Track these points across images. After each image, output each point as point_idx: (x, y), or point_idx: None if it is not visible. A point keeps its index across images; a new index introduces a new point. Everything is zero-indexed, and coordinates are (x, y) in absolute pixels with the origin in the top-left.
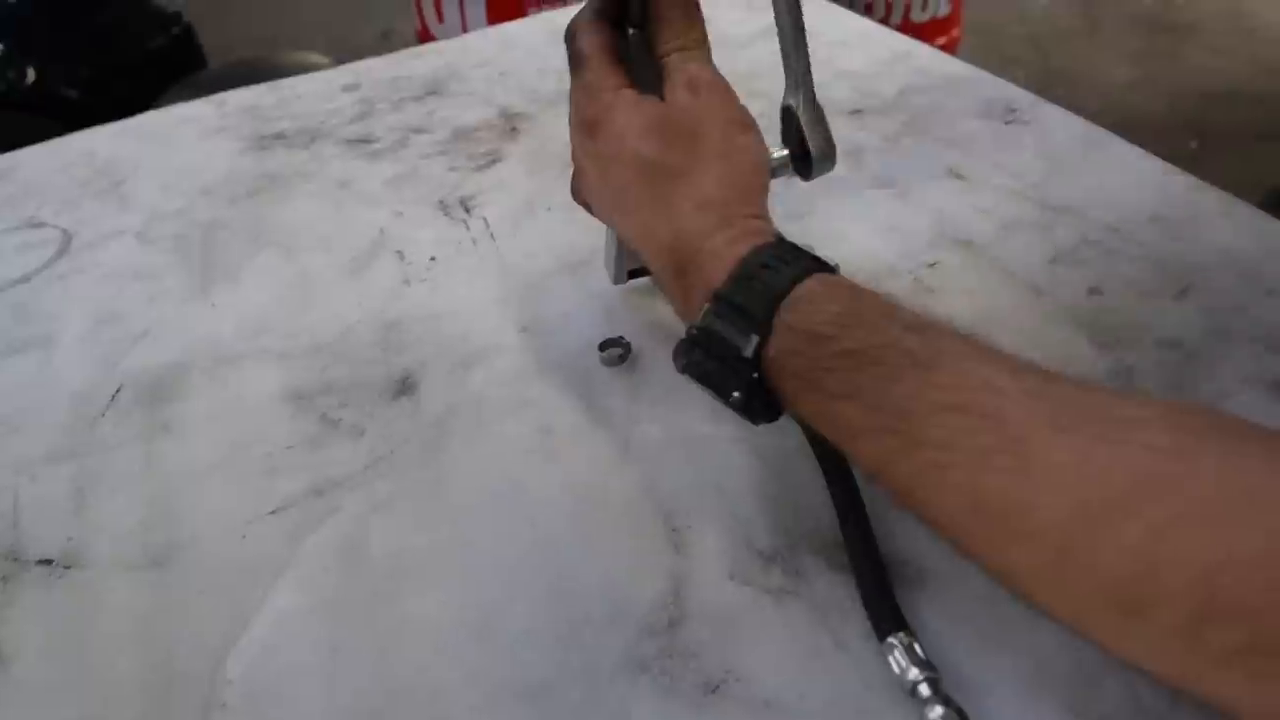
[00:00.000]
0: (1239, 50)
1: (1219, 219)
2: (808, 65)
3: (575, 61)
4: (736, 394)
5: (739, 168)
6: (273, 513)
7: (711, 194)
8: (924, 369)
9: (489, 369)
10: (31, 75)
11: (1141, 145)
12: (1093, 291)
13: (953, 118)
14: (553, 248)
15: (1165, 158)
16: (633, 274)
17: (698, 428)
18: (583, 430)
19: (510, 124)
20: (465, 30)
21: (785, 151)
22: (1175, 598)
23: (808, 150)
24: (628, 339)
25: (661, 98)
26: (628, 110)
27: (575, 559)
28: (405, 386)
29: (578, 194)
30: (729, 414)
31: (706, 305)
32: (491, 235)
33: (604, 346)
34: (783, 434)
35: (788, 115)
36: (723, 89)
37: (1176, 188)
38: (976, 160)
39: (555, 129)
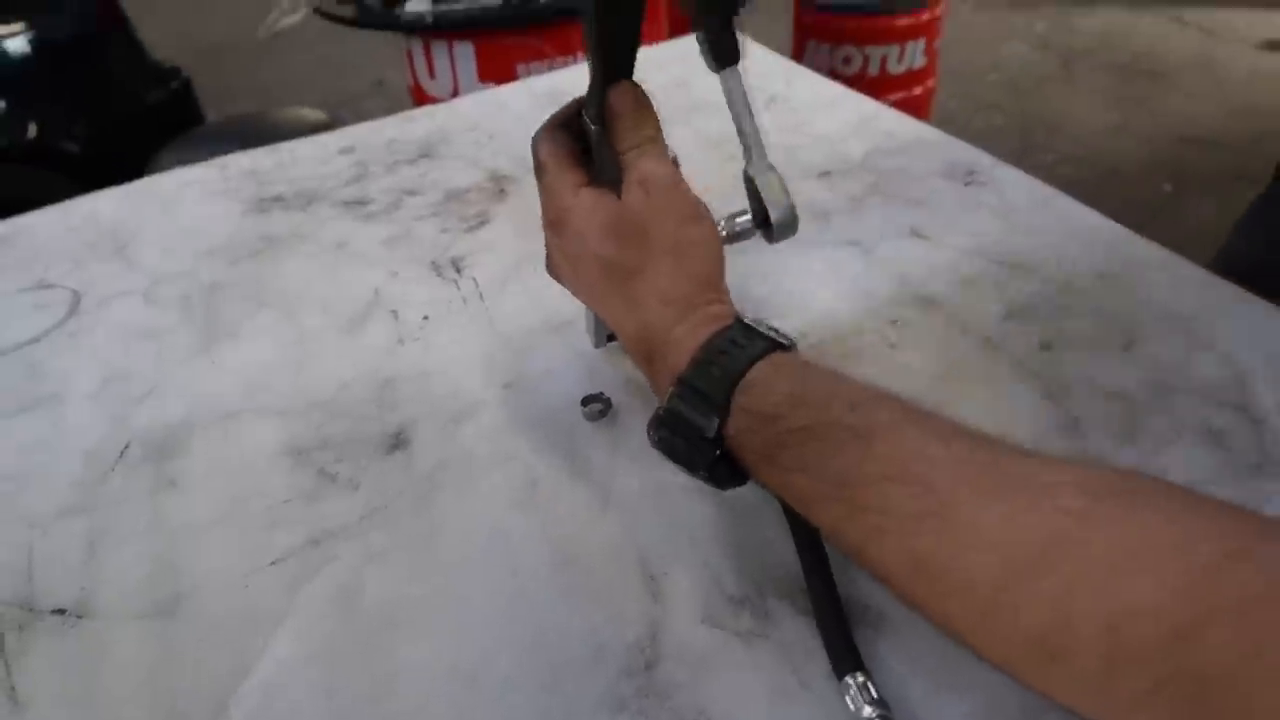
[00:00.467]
0: (1211, 97)
1: (1162, 276)
2: (760, 137)
3: (537, 168)
4: (700, 471)
5: (693, 259)
6: (272, 564)
7: (669, 288)
8: (863, 441)
9: (477, 424)
10: (33, 130)
11: (1119, 189)
12: (1044, 345)
13: (916, 179)
14: (539, 307)
15: (1142, 201)
16: (611, 337)
17: (673, 480)
18: (565, 482)
19: (499, 186)
20: (456, 85)
21: (749, 215)
22: (1087, 647)
23: (769, 217)
24: (608, 395)
25: (619, 194)
26: (585, 212)
27: (558, 606)
28: (398, 441)
29: (552, 271)
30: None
31: (672, 389)
32: (481, 295)
33: (586, 402)
34: (751, 486)
35: (750, 184)
36: (672, 185)
37: (1123, 245)
38: (938, 220)
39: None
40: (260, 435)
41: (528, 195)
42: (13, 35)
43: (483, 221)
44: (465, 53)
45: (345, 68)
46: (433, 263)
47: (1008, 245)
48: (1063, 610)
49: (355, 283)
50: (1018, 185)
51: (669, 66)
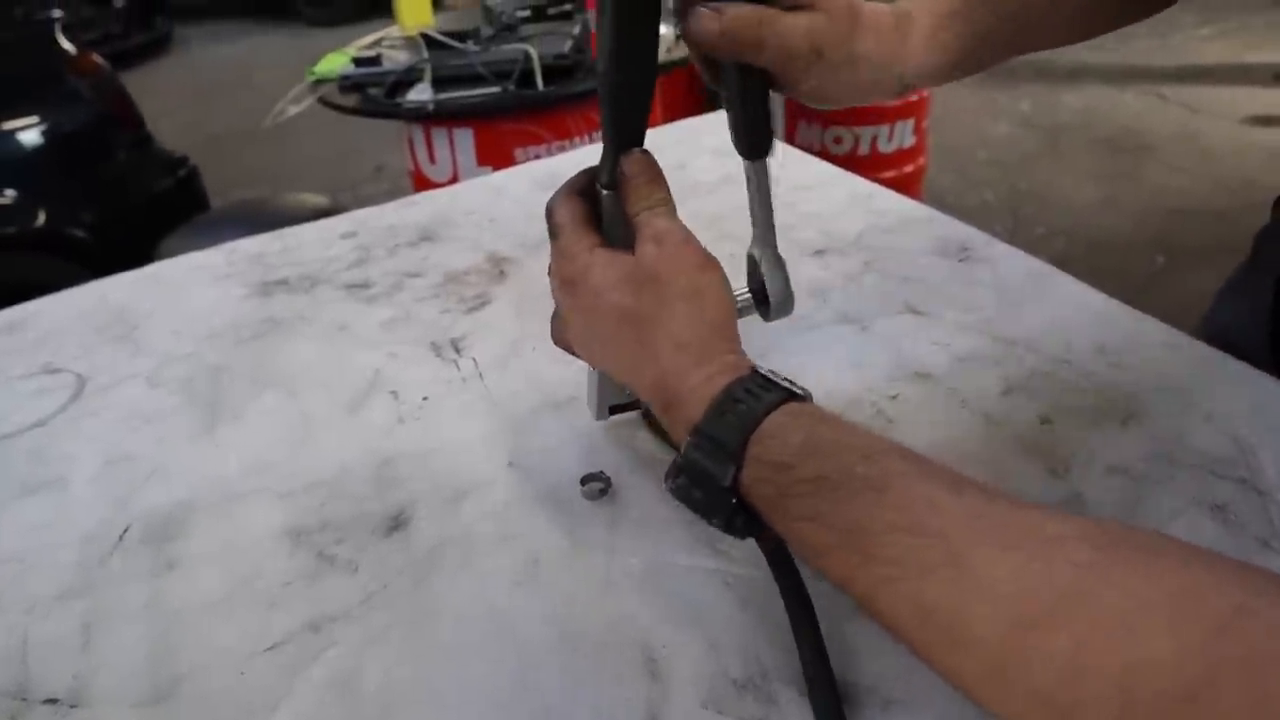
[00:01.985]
0: (1197, 170)
1: (1159, 349)
2: (771, 222)
3: (553, 231)
4: (717, 519)
5: (707, 307)
6: (270, 648)
7: (685, 336)
8: (876, 492)
9: (478, 503)
10: (42, 218)
11: (1111, 262)
12: (1044, 420)
13: (910, 256)
14: (538, 386)
15: (1135, 273)
16: (613, 410)
17: (675, 558)
18: (566, 562)
19: (498, 268)
20: (456, 170)
21: (748, 292)
22: (1099, 703)
23: (768, 296)
24: (608, 473)
25: (633, 253)
26: (602, 267)
27: (557, 688)
28: (398, 522)
29: (559, 339)
30: (704, 546)
31: (689, 438)
32: (480, 375)
33: (585, 481)
34: (755, 565)
35: (752, 263)
36: (685, 238)
37: (1119, 320)
38: (934, 296)
39: (540, 272)
40: (261, 516)
41: (527, 276)
42: (27, 128)
43: (483, 302)
44: (465, 138)
45: (346, 153)
46: (432, 343)
47: (1004, 321)
48: (1073, 666)
49: (356, 364)
50: (1011, 261)
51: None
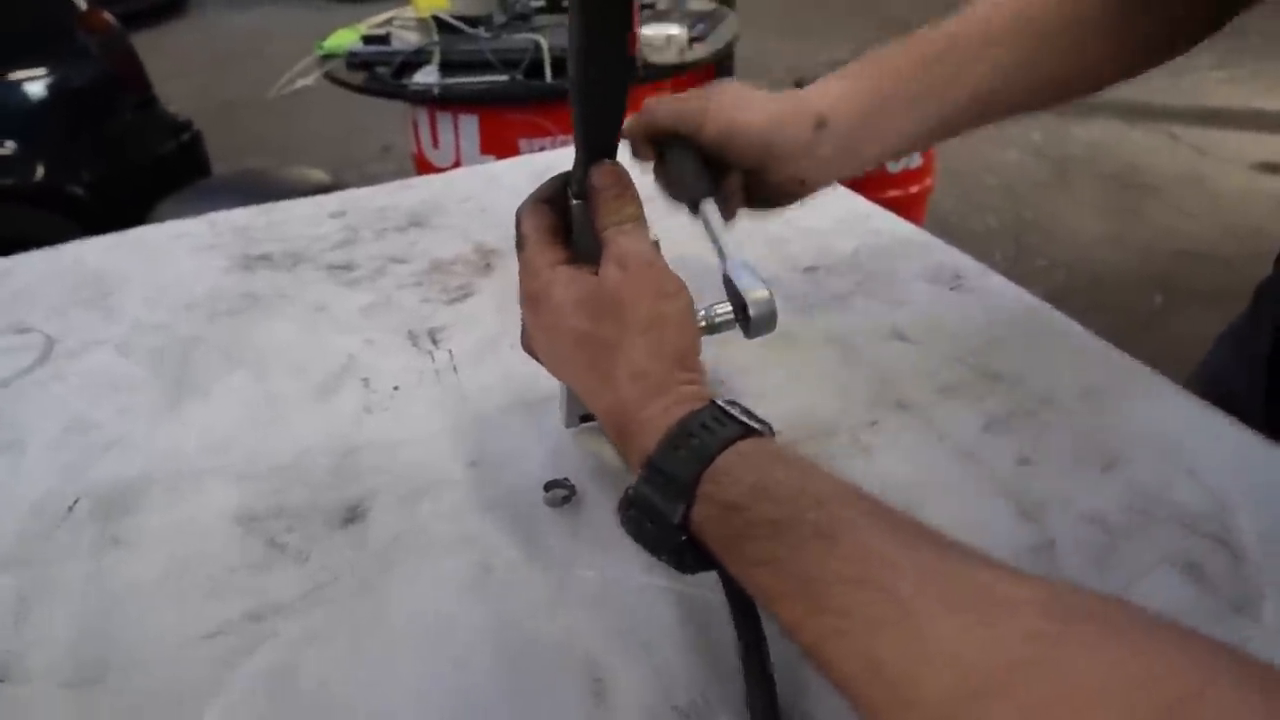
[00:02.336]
0: (1204, 212)
1: (1146, 396)
2: (731, 247)
3: (519, 241)
4: (666, 555)
5: (667, 336)
6: (208, 636)
7: (643, 364)
8: (827, 540)
9: (436, 502)
10: (40, 172)
11: (1110, 298)
12: (1021, 461)
13: (902, 280)
14: (512, 383)
15: (1132, 311)
16: (585, 418)
17: (632, 575)
18: (520, 570)
19: (485, 259)
20: (459, 155)
21: (729, 309)
22: None
23: (748, 313)
24: (573, 481)
25: (597, 271)
26: (562, 287)
27: (498, 705)
28: (354, 514)
29: (527, 346)
30: (661, 564)
31: (640, 471)
32: (455, 368)
33: (549, 487)
34: (712, 588)
35: (729, 283)
36: (649, 261)
37: (1108, 362)
38: (922, 323)
39: None
40: (215, 498)
41: (513, 270)
42: (31, 80)
43: (466, 294)
44: (469, 125)
45: (355, 132)
46: (410, 332)
47: (991, 354)
48: None
49: (331, 348)
50: (1004, 294)
51: None
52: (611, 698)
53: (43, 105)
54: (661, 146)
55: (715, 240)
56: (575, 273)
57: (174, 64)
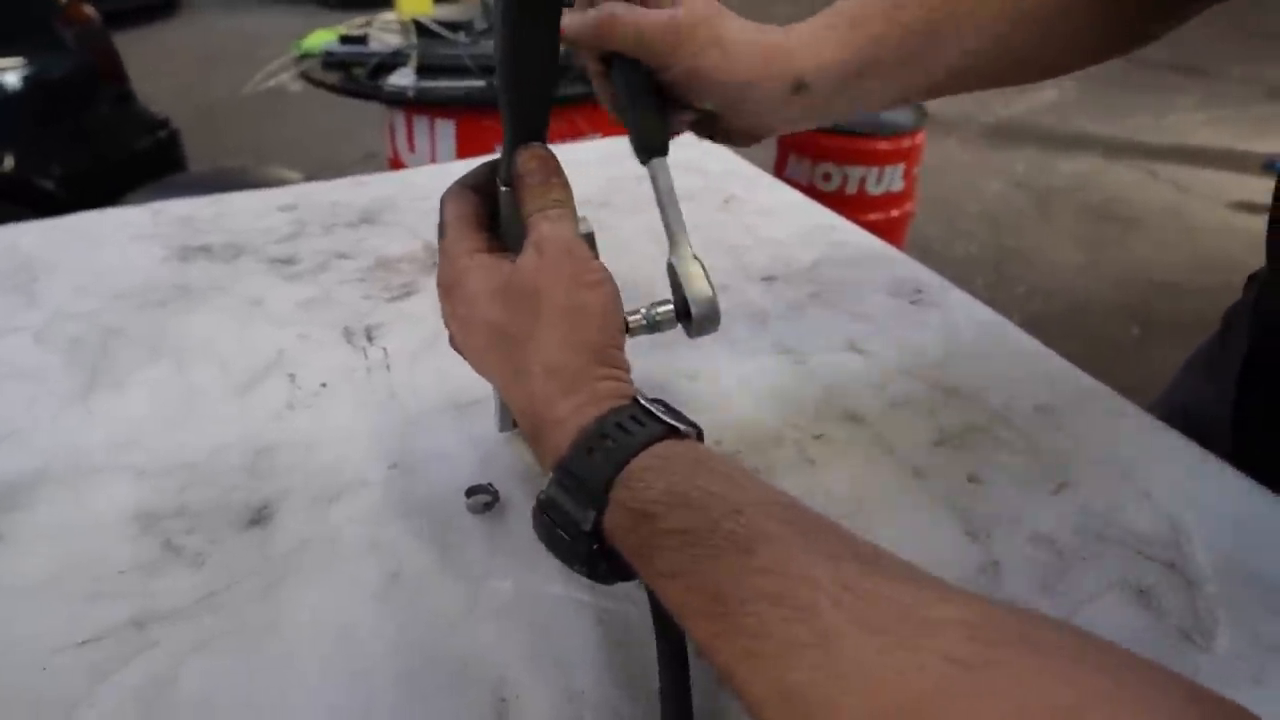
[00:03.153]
0: (1181, 245)
1: (1103, 415)
2: (683, 226)
3: (440, 228)
4: (579, 565)
5: (584, 328)
6: (82, 643)
7: (556, 359)
8: (743, 554)
9: (350, 504)
10: (9, 163)
11: (1086, 327)
12: (971, 479)
13: (860, 292)
14: (444, 385)
15: (1109, 341)
16: (516, 423)
17: (549, 587)
18: (431, 579)
19: (433, 258)
20: (435, 160)
21: (670, 306)
22: None
23: (689, 309)
24: (497, 487)
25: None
26: (478, 274)
27: None
28: (260, 516)
29: (452, 342)
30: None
31: (552, 473)
32: (387, 366)
33: (471, 493)
34: (632, 602)
35: (672, 273)
36: (567, 248)
37: (1066, 380)
38: (878, 336)
39: None
40: (113, 495)
41: None
42: (9, 70)
43: (408, 292)
44: (446, 130)
45: (340, 137)
46: (345, 328)
47: (946, 369)
48: None
49: (261, 342)
50: (963, 308)
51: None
52: (516, 719)
53: (15, 96)
54: (612, 61)
55: (664, 211)
56: (493, 260)
57: (160, 63)
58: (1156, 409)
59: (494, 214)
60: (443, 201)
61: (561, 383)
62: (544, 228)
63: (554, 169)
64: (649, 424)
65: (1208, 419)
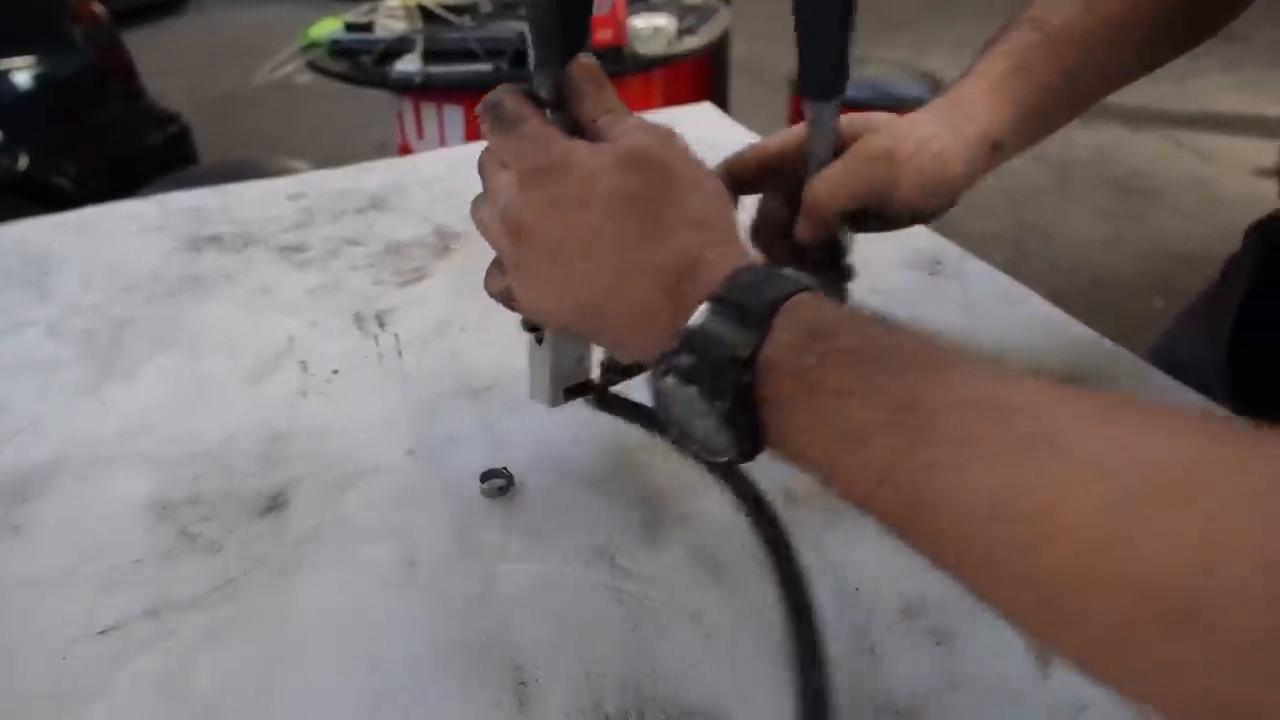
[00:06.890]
0: (1204, 216)
1: (1128, 379)
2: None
3: (512, 119)
4: (719, 402)
5: (716, 201)
6: (101, 633)
7: (703, 214)
8: (932, 369)
9: (365, 491)
10: (24, 162)
11: (1110, 301)
12: None
13: (879, 266)
14: (457, 369)
15: (1132, 315)
16: (570, 393)
17: (567, 570)
18: (448, 565)
19: (444, 242)
20: (444, 147)
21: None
22: (1238, 601)
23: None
24: (512, 470)
25: None
26: (591, 152)
27: (410, 707)
28: (275, 503)
29: (496, 287)
30: (601, 560)
31: (706, 303)
32: (399, 352)
33: (486, 477)
34: (653, 584)
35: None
36: (671, 131)
37: (1090, 347)
38: (899, 310)
39: (486, 250)
40: (127, 485)
41: (472, 253)
42: (20, 69)
43: (419, 277)
44: (454, 116)
45: (351, 127)
46: (356, 314)
47: (969, 340)
48: (1204, 552)
49: (272, 329)
50: (983, 279)
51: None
52: (535, 702)
53: (27, 96)
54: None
55: (819, 155)
56: (592, 143)
57: (170, 59)
58: (1149, 358)
59: None
60: (498, 100)
61: (711, 233)
62: (632, 120)
63: (606, 81)
64: (794, 279)
65: (1198, 364)
